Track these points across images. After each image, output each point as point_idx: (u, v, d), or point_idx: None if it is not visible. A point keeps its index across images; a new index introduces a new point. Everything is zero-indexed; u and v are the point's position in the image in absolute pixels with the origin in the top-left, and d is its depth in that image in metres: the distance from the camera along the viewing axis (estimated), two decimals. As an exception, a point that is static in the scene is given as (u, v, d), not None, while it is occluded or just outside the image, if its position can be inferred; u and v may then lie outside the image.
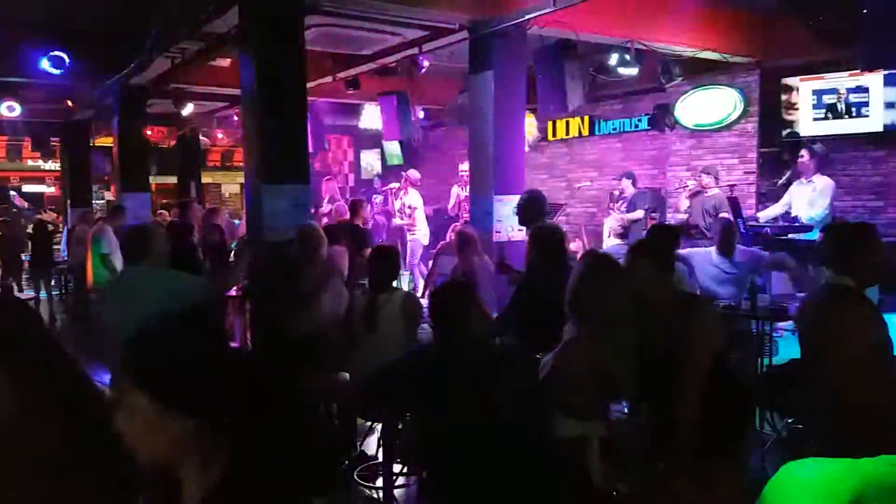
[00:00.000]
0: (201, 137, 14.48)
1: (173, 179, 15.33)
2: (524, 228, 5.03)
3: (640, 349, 3.08)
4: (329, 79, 9.34)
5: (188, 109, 11.33)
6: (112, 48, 8.44)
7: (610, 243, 5.22)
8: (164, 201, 14.48)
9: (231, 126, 13.54)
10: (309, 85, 7.53)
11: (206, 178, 16.55)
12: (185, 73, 9.13)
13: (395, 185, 11.11)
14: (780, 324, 5.63)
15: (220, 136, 14.71)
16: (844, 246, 3.10)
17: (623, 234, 5.14)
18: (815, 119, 8.43)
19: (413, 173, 10.72)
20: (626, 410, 3.96)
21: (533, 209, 4.98)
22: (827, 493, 1.16)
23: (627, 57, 7.51)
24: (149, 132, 12.16)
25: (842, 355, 2.87)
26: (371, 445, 4.78)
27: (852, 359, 2.83)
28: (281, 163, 5.27)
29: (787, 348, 5.53)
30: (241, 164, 10.84)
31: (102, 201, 17.54)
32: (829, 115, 8.32)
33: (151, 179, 13.50)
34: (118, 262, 8.43)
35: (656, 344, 2.99)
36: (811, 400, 3.27)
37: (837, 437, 2.85)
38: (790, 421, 4.57)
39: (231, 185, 19.96)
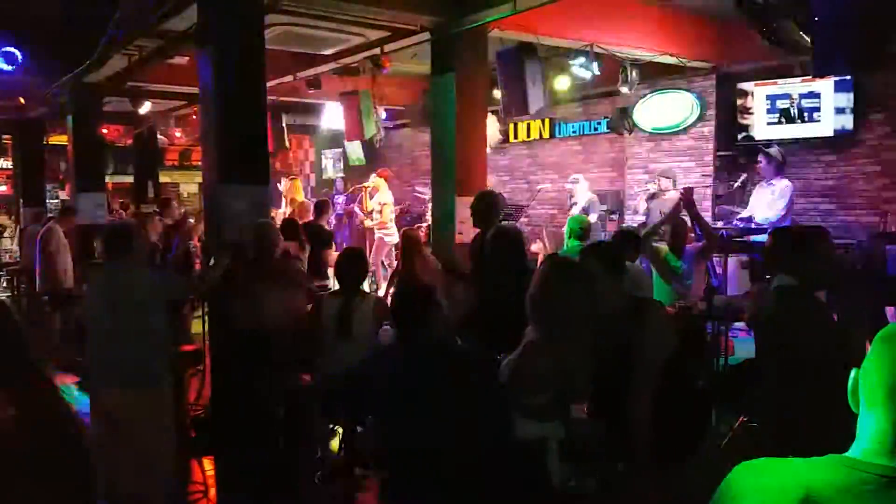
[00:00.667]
0: (159, 136, 14.24)
1: (130, 179, 15.04)
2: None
3: (596, 351, 3.12)
4: (290, 78, 9.27)
5: (145, 108, 11.14)
6: (67, 45, 8.24)
7: (570, 244, 5.27)
8: (121, 201, 14.22)
9: (189, 125, 13.33)
10: (269, 84, 7.47)
11: (163, 178, 16.28)
12: (142, 71, 8.96)
13: (368, 183, 11.08)
14: (737, 324, 5.75)
15: (178, 134, 14.48)
16: (793, 248, 3.18)
17: (583, 235, 5.19)
18: (769, 123, 8.63)
19: (384, 171, 10.74)
20: (585, 411, 4.01)
21: (488, 211, 4.98)
22: (777, 492, 1.19)
23: (587, 60, 7.60)
24: (105, 130, 11.93)
25: (792, 355, 2.94)
26: (333, 448, 4.75)
27: (802, 358, 2.91)
28: (240, 163, 5.20)
29: (744, 348, 5.66)
30: (199, 163, 10.69)
31: (56, 200, 17.11)
32: (783, 119, 8.53)
33: (108, 178, 13.25)
34: (67, 264, 8.25)
35: (610, 346, 3.04)
36: (765, 399, 3.36)
37: (791, 435, 2.92)
38: (746, 419, 4.67)
39: (189, 184, 19.65)
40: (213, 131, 5.32)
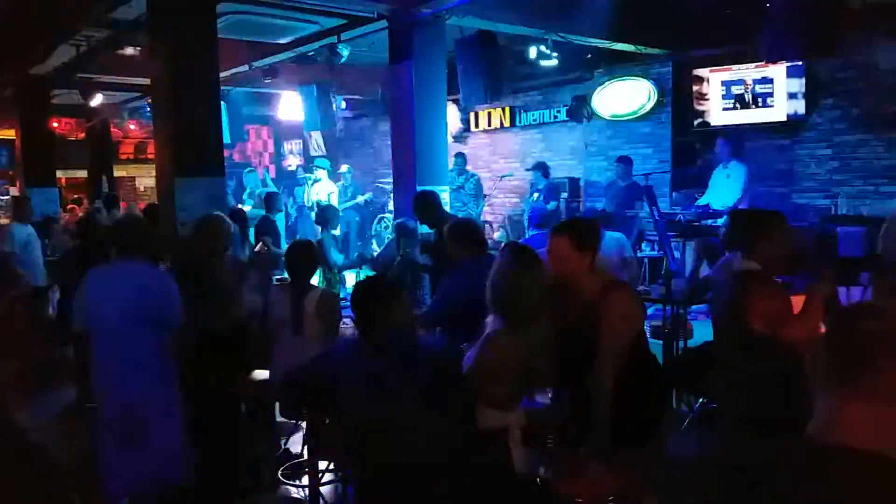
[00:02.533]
0: (113, 129, 13.90)
1: (84, 173, 14.65)
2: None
3: (562, 335, 3.12)
4: (245, 67, 9.11)
5: (97, 100, 10.86)
6: (11, 36, 7.98)
7: (531, 233, 5.28)
8: (76, 196, 13.85)
9: (144, 117, 13.03)
10: (224, 74, 7.35)
11: (118, 172, 15.88)
12: (92, 63, 8.73)
13: (309, 175, 11.02)
14: (696, 307, 5.84)
15: (132, 127, 14.14)
16: (750, 231, 3.22)
17: (542, 224, 5.20)
18: (725, 109, 8.75)
19: (324, 162, 10.68)
20: (549, 398, 4.03)
21: (429, 210, 5.03)
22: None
23: (546, 48, 7.61)
24: (55, 124, 11.59)
25: (749, 336, 2.99)
26: (296, 444, 4.71)
27: (759, 339, 2.96)
28: (195, 155, 5.10)
29: (703, 331, 5.74)
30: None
31: (7, 196, 16.61)
32: (738, 105, 8.65)
33: (60, 173, 12.89)
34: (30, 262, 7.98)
35: (577, 329, 3.03)
36: (723, 380, 3.41)
37: (749, 416, 2.97)
38: (705, 401, 4.75)
39: (146, 178, 19.20)
40: (166, 123, 5.21)
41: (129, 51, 8.58)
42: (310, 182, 11.04)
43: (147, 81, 5.69)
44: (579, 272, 2.97)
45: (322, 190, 10.46)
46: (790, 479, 1.16)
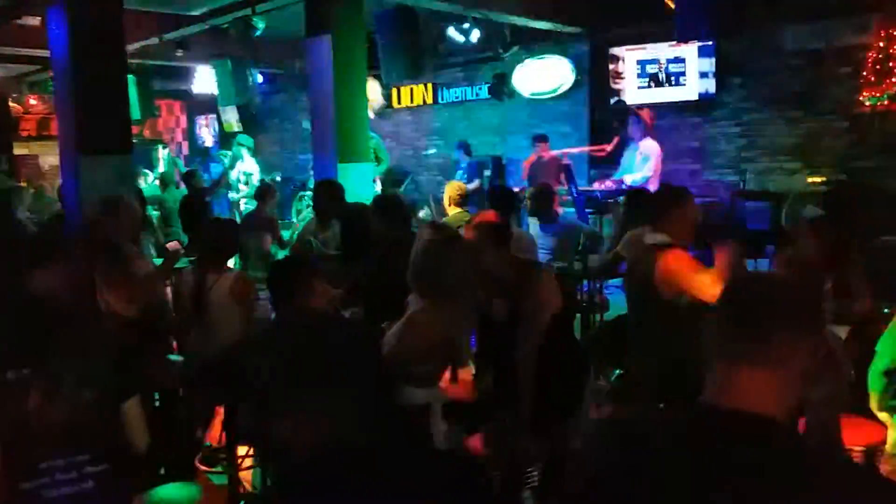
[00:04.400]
0: (11, 104, 13.10)
1: (-19, 151, 13.77)
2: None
3: (484, 315, 3.16)
4: (155, 40, 8.72)
5: (-8, 72, 10.20)
6: None
7: (451, 211, 5.29)
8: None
9: (46, 91, 12.34)
10: (132, 46, 7.01)
11: (20, 150, 14.98)
12: (-14, 32, 8.19)
13: (226, 152, 10.68)
14: (611, 281, 5.99)
15: (32, 102, 13.36)
16: (658, 205, 3.35)
17: (462, 202, 5.22)
18: (640, 87, 8.96)
19: (247, 139, 10.34)
20: (473, 373, 4.07)
21: (329, 200, 4.97)
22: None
23: (466, 25, 7.58)
24: (-54, 98, 10.85)
25: (662, 304, 3.10)
26: (214, 430, 4.60)
27: (670, 307, 3.07)
28: (100, 131, 4.85)
29: (618, 305, 5.90)
30: (58, 133, 9.92)
31: None
32: (652, 84, 8.87)
33: (-48, 152, 12.09)
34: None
35: (498, 310, 3.08)
36: (637, 352, 3.52)
37: (665, 385, 3.07)
38: (621, 373, 4.88)
39: (50, 156, 18.19)
40: (69, 98, 4.94)
41: (29, 20, 8.09)
42: (226, 159, 10.70)
43: (47, 53, 5.35)
44: (498, 265, 3.03)
45: (245, 168, 10.15)
46: (681, 444, 1.18)
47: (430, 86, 11.35)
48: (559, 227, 5.48)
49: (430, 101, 11.50)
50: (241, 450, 3.85)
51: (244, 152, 10.17)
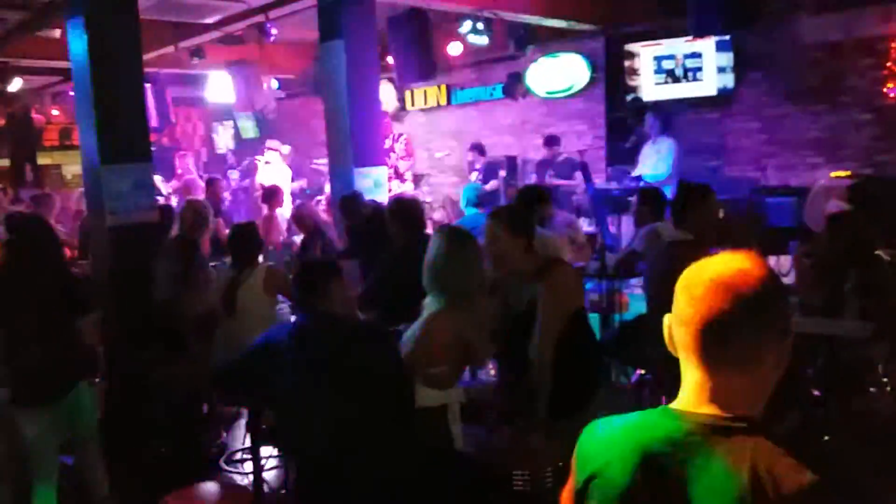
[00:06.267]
0: (35, 115, 13.30)
1: (5, 162, 13.99)
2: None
3: (503, 313, 3.15)
4: (171, 49, 8.81)
5: (16, 85, 10.34)
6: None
7: (467, 213, 5.29)
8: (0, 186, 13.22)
9: (68, 102, 12.51)
10: (149, 55, 7.08)
11: (43, 159, 15.18)
12: (9, 46, 8.33)
13: (261, 157, 10.70)
14: (633, 280, 5.95)
15: (55, 112, 13.55)
16: (683, 202, 3.32)
17: (479, 203, 5.22)
18: (657, 84, 8.89)
19: (274, 143, 10.38)
20: (491, 373, 4.07)
21: (351, 209, 5.45)
22: (618, 456, 1.23)
23: (479, 25, 7.58)
24: (-29, 110, 11.03)
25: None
26: (238, 430, 4.65)
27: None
28: (120, 140, 4.92)
29: (638, 305, 5.86)
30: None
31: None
32: (669, 80, 8.80)
33: (-22, 163, 12.30)
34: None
35: (518, 307, 3.07)
36: (657, 351, 3.49)
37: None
38: (642, 373, 4.85)
39: (73, 165, 18.38)
40: (89, 108, 5.01)
41: (50, 33, 8.21)
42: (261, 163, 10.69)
43: (69, 65, 5.43)
44: (514, 254, 3.00)
45: (273, 172, 10.12)
46: (667, 451, 1.17)
47: (443, 87, 11.34)
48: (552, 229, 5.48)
49: (443, 102, 11.49)
50: (265, 450, 3.89)
51: (275, 157, 10.14)
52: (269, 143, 10.28)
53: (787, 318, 1.20)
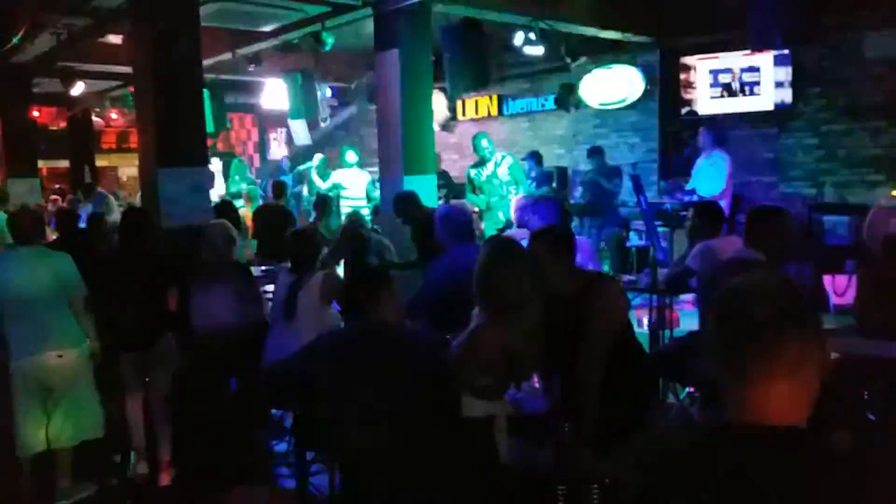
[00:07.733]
0: (94, 118, 13.72)
1: (65, 163, 14.47)
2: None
3: (550, 327, 3.12)
4: (229, 55, 9.00)
5: (78, 89, 10.70)
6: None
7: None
8: (58, 186, 13.67)
9: (126, 106, 12.87)
10: (207, 62, 7.25)
11: (101, 162, 15.68)
12: (73, 51, 8.61)
13: (313, 164, 10.77)
14: (683, 296, 5.84)
15: (114, 116, 13.96)
16: (754, 222, 3.27)
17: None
18: (712, 97, 8.75)
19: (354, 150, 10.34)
20: (536, 387, 4.02)
21: (409, 208, 5.57)
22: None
23: (532, 36, 7.56)
24: (36, 113, 11.44)
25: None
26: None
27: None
28: (177, 144, 5.04)
29: (690, 321, 5.75)
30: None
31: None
32: (725, 93, 8.65)
33: (41, 163, 12.72)
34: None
35: (564, 323, 3.04)
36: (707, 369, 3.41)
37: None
38: (692, 391, 4.75)
39: (128, 167, 18.96)
40: (148, 112, 5.14)
41: (111, 38, 8.47)
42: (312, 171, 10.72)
43: (129, 69, 5.59)
44: (557, 275, 2.98)
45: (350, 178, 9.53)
46: (714, 464, 1.17)
47: (494, 97, 11.35)
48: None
49: (494, 112, 11.49)
50: (310, 454, 3.91)
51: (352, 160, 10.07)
52: (349, 154, 9.75)
53: (816, 319, 1.24)
